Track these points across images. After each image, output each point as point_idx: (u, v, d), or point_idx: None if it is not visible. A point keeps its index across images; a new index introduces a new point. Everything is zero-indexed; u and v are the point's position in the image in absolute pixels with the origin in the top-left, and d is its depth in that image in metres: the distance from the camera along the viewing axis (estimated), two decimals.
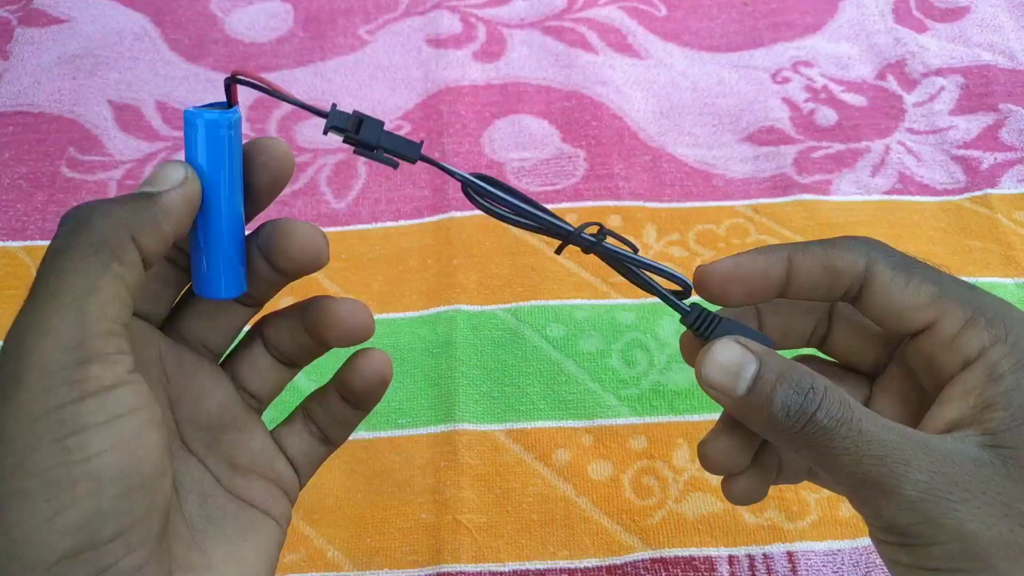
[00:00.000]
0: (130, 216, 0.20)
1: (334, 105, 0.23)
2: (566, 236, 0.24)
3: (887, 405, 0.24)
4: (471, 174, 0.24)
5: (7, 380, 0.18)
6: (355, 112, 0.23)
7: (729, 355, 0.21)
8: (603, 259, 0.24)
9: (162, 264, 0.23)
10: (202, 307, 0.25)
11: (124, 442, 0.18)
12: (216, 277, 0.23)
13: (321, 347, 0.26)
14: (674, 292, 0.24)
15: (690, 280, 0.24)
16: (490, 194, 0.24)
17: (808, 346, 0.26)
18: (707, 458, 0.24)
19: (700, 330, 0.24)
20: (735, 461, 0.24)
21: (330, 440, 0.27)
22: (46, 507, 0.17)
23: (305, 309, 0.25)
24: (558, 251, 0.25)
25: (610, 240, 0.24)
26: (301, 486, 0.26)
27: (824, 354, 0.26)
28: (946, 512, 0.19)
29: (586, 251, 0.23)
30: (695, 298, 0.24)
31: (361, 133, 0.23)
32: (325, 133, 0.23)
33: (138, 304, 0.22)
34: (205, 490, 0.23)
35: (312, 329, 0.25)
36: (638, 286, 0.24)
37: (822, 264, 0.23)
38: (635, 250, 0.24)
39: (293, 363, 0.26)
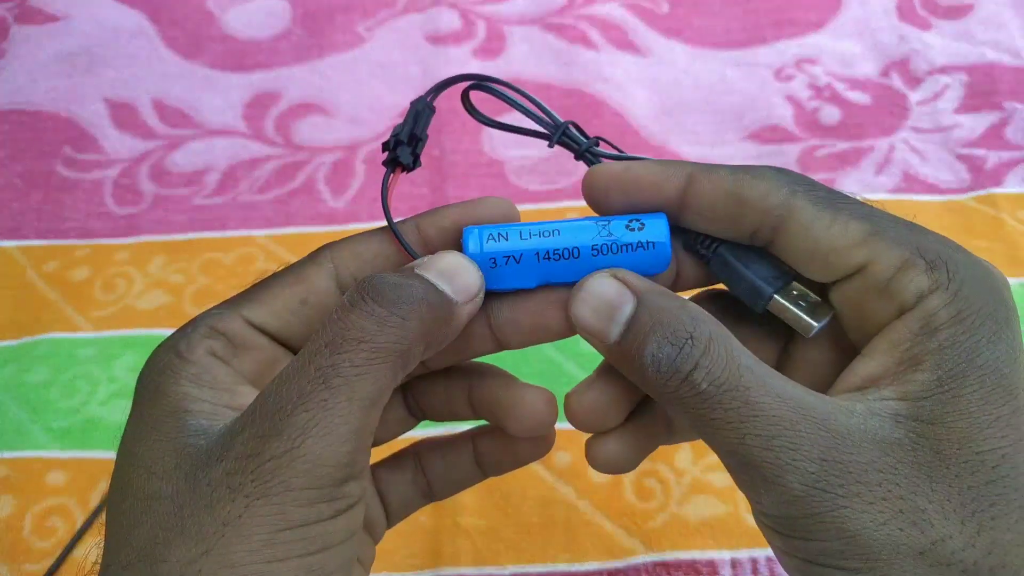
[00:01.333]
0: (429, 328, 0.18)
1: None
2: (557, 129, 0.22)
3: (806, 360, 0.21)
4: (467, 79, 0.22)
5: (274, 477, 0.16)
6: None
7: (602, 291, 0.19)
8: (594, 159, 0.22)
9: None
10: None
11: (348, 561, 0.17)
12: None
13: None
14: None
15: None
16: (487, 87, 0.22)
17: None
18: (571, 410, 0.21)
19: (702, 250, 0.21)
20: (603, 417, 0.21)
21: (434, 496, 0.24)
22: None
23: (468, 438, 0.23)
24: (550, 145, 0.23)
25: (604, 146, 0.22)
26: (386, 530, 0.24)
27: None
28: (832, 508, 0.16)
29: (577, 157, 0.22)
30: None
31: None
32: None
33: (295, 328, 0.21)
34: None
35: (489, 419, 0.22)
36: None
37: (726, 190, 0.19)
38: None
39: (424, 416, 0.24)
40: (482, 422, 0.24)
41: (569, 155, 0.22)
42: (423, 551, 0.38)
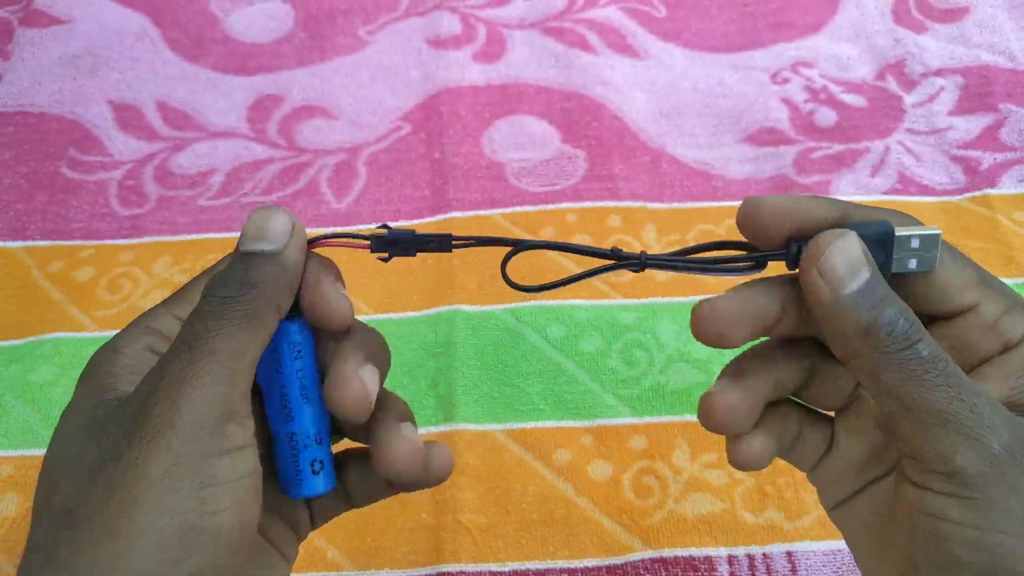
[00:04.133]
0: (274, 288, 0.21)
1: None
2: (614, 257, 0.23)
3: (853, 442, 0.23)
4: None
5: (159, 422, 0.19)
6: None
7: (853, 251, 0.20)
8: (661, 268, 0.23)
9: None
10: None
11: (241, 503, 0.20)
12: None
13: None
14: (739, 259, 0.23)
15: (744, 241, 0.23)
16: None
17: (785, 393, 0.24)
18: (714, 413, 0.22)
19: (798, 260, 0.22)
20: (744, 418, 0.22)
21: (352, 503, 0.26)
22: (176, 550, 0.18)
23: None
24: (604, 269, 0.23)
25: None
26: (309, 531, 0.26)
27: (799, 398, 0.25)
28: (1019, 474, 0.18)
29: (639, 270, 0.23)
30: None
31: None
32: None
33: None
34: None
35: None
36: (721, 271, 0.23)
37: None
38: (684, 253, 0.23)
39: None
40: None
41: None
42: (424, 548, 0.39)
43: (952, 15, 0.60)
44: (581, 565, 0.38)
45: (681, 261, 0.23)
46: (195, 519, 0.19)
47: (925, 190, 0.51)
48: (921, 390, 0.19)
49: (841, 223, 0.22)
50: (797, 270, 0.22)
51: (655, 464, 0.41)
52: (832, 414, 0.25)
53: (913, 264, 0.21)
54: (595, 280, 0.47)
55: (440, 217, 0.50)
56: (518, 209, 0.51)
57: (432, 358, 0.44)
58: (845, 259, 0.20)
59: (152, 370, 0.20)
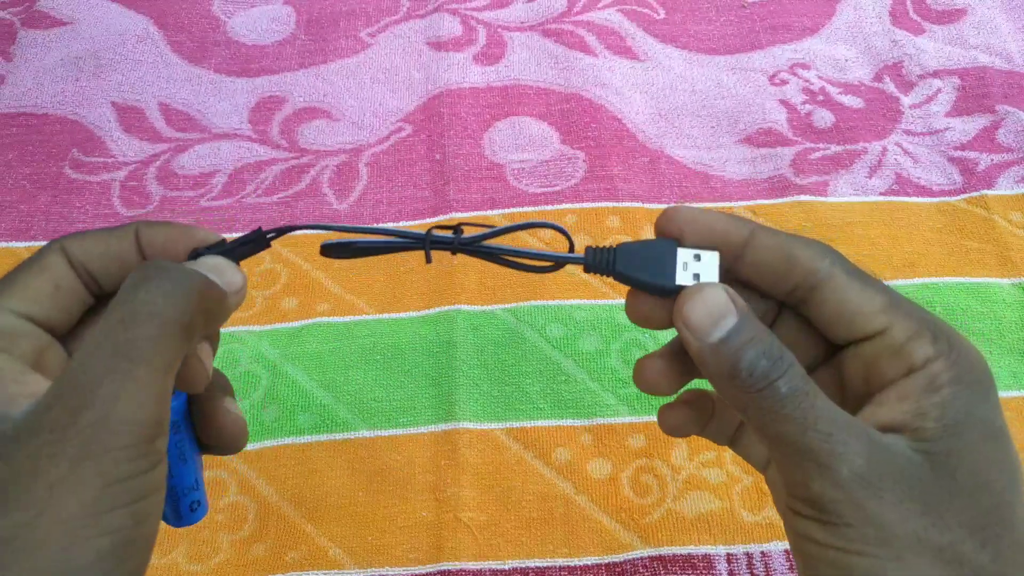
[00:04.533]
0: (208, 307, 0.21)
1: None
2: (421, 240, 0.24)
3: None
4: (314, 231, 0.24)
5: (91, 431, 0.18)
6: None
7: (716, 300, 0.22)
8: (471, 254, 0.24)
9: (81, 284, 0.23)
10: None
11: (159, 509, 0.20)
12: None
13: None
14: (543, 255, 0.24)
15: (563, 225, 0.24)
16: (343, 249, 0.24)
17: None
18: (641, 371, 0.25)
19: (604, 267, 0.24)
20: (665, 384, 0.25)
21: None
22: (112, 567, 0.18)
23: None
24: (428, 260, 0.25)
25: (469, 230, 0.24)
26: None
27: None
28: (871, 498, 0.19)
29: (453, 252, 0.24)
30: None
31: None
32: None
33: (53, 313, 0.23)
34: None
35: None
36: (521, 267, 0.24)
37: (782, 249, 0.23)
38: (490, 234, 0.24)
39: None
40: None
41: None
42: (425, 546, 0.39)
43: (949, 16, 0.61)
44: (581, 563, 0.38)
45: (489, 251, 0.24)
46: (129, 534, 0.19)
47: (922, 191, 0.51)
48: (778, 425, 0.20)
49: (750, 241, 0.23)
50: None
51: (654, 463, 0.41)
52: None
53: (694, 279, 0.23)
54: (595, 280, 0.47)
55: (440, 217, 0.51)
56: (518, 210, 0.51)
57: (432, 357, 0.45)
58: (707, 310, 0.22)
59: (73, 374, 0.19)
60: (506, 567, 0.38)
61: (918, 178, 0.52)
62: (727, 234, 0.23)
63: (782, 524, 0.39)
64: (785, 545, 0.38)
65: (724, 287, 0.22)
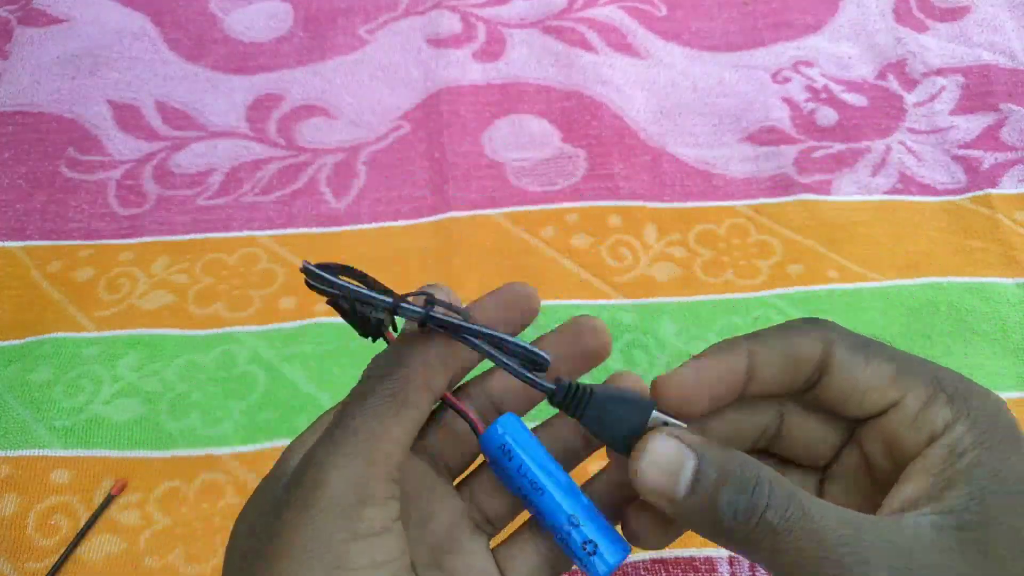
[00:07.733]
0: (423, 367, 0.21)
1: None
2: (392, 307, 0.22)
3: (840, 493, 0.23)
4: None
5: (299, 503, 0.19)
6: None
7: (665, 451, 0.20)
8: (436, 328, 0.22)
9: None
10: (446, 417, 0.25)
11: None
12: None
13: (571, 461, 0.25)
14: (531, 365, 0.22)
15: (547, 355, 0.22)
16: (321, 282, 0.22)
17: (757, 448, 0.24)
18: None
19: (573, 407, 0.21)
20: (655, 541, 0.22)
21: (556, 569, 0.25)
22: None
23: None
24: (393, 327, 0.23)
25: (440, 310, 0.22)
26: None
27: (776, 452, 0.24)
28: None
29: (420, 325, 0.22)
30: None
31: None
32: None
33: None
34: None
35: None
36: (488, 357, 0.22)
37: (783, 354, 0.21)
38: (466, 318, 0.22)
39: None
40: None
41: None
42: None
43: (953, 14, 0.60)
44: None
45: (468, 332, 0.22)
46: None
47: (926, 190, 0.51)
48: (784, 562, 0.18)
49: (750, 371, 0.21)
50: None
51: None
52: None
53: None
54: (595, 280, 0.47)
55: (439, 217, 0.50)
56: (518, 208, 0.51)
57: None
58: (659, 467, 0.20)
59: (307, 451, 0.20)
60: None
61: (922, 177, 0.52)
62: (730, 378, 0.21)
63: None
64: None
65: (667, 429, 0.20)
